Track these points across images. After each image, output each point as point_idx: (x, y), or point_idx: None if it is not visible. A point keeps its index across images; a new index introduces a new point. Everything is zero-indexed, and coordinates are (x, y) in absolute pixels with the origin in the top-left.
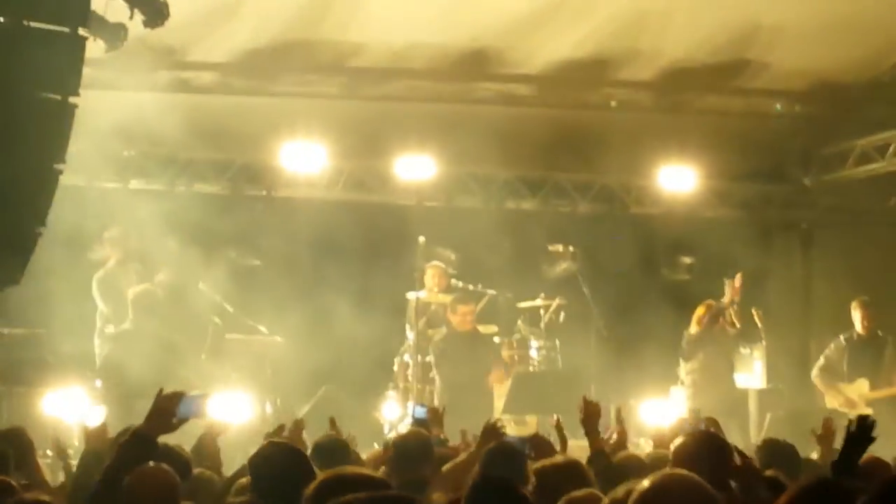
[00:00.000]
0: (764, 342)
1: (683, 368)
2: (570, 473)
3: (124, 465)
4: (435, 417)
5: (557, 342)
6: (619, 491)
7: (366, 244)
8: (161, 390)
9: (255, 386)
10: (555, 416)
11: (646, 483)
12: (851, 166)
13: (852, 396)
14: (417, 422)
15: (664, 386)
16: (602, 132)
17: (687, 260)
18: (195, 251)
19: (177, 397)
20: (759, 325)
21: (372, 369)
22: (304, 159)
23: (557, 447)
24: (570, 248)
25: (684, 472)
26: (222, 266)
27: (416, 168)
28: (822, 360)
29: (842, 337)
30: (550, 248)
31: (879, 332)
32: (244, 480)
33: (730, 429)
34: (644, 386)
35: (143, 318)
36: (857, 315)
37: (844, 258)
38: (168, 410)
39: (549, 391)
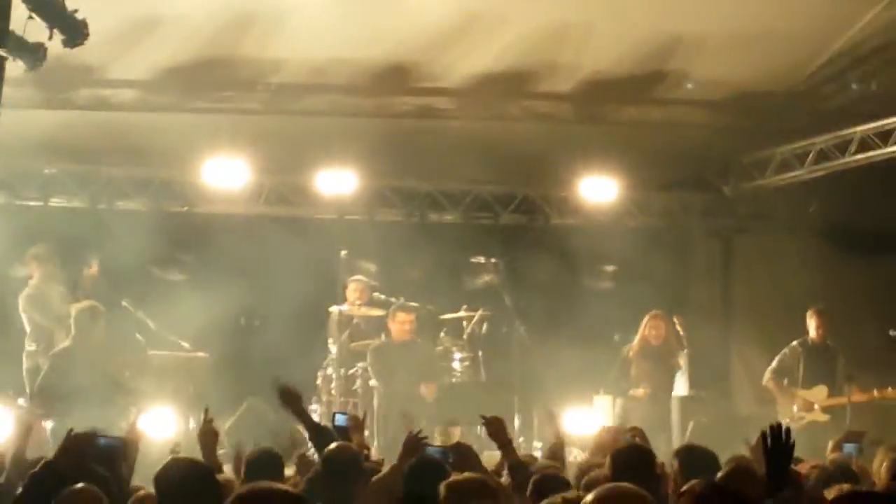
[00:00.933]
0: (686, 350)
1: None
2: (479, 488)
3: (33, 497)
4: (356, 425)
5: (480, 353)
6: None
7: (288, 259)
8: (71, 430)
9: (178, 401)
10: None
11: (590, 497)
12: (771, 174)
13: (810, 400)
14: (338, 429)
15: (587, 395)
16: (523, 144)
17: (609, 268)
18: (117, 268)
19: (88, 437)
20: (681, 332)
21: (296, 383)
22: (226, 175)
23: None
24: (492, 260)
25: (628, 485)
26: (145, 282)
27: (337, 182)
28: (774, 364)
29: (796, 343)
30: (472, 260)
31: (829, 342)
32: (142, 493)
33: (658, 440)
34: (567, 395)
35: (85, 335)
36: (812, 323)
37: (764, 266)
38: (78, 449)
39: (472, 402)
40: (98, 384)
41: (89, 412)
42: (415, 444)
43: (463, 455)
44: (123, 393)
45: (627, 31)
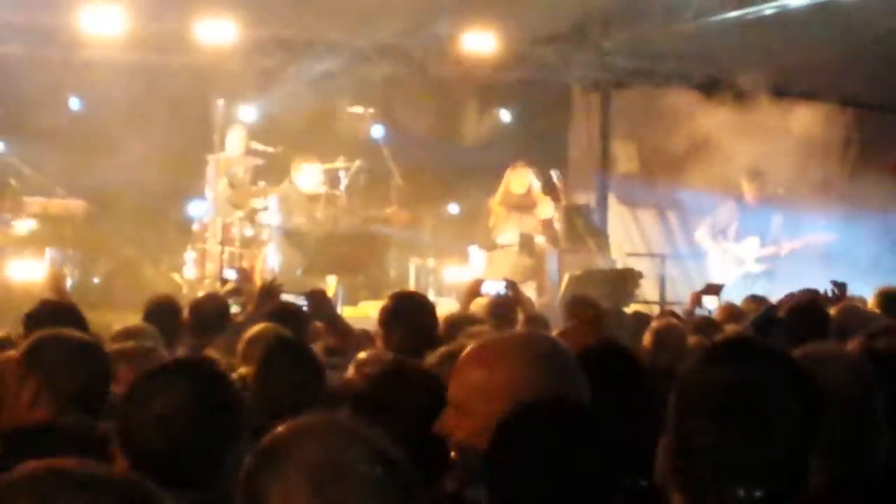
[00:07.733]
0: (563, 204)
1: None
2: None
3: None
4: (245, 277)
5: (357, 203)
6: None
7: (165, 106)
8: None
9: (55, 246)
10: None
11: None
12: (651, 27)
13: (740, 255)
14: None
15: (462, 247)
16: None
17: (488, 122)
18: None
19: None
20: (559, 186)
21: (171, 231)
22: (104, 21)
23: None
24: (370, 110)
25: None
26: (23, 129)
27: (216, 30)
28: (709, 220)
29: (733, 200)
30: (350, 110)
31: (767, 199)
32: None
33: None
34: (446, 248)
35: None
36: (747, 186)
37: (644, 121)
38: None
39: (348, 252)
40: None
41: None
42: (271, 290)
43: (317, 301)
44: None
45: None
